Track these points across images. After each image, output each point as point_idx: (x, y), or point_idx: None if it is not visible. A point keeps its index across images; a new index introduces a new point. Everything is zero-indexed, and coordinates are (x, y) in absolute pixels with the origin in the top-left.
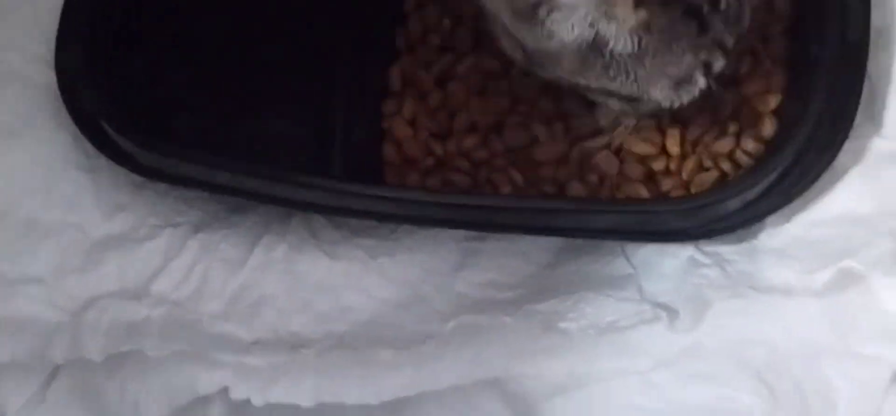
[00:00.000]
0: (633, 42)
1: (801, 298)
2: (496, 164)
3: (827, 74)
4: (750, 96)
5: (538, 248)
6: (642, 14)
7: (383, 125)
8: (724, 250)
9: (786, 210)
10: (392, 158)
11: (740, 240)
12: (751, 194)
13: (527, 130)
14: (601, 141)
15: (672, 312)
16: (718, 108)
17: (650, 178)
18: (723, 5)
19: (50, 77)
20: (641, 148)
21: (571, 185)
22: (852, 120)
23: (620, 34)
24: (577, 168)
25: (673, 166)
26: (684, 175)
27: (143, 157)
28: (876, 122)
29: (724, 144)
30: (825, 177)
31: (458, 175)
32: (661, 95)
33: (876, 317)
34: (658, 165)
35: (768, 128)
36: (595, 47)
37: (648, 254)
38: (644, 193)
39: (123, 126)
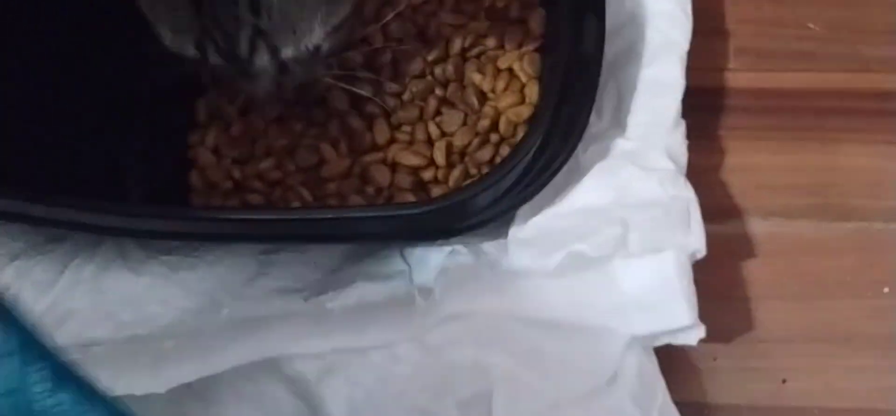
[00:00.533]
0: None
1: (538, 278)
2: (288, 183)
3: (564, 83)
4: (505, 109)
5: (326, 256)
6: None
7: (189, 155)
8: (484, 246)
9: (533, 204)
10: (197, 184)
11: (497, 236)
12: (500, 188)
13: (316, 152)
14: (376, 155)
15: (427, 292)
16: (477, 121)
17: (421, 186)
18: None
19: None
20: (411, 160)
21: (351, 197)
22: (585, 122)
23: None
24: (358, 182)
25: (441, 175)
26: (451, 183)
27: None
28: (621, 126)
29: (486, 153)
30: (572, 175)
31: (255, 196)
32: (166, 36)
33: (611, 295)
34: (427, 175)
35: (521, 136)
36: None
37: (421, 253)
38: (411, 199)
39: None
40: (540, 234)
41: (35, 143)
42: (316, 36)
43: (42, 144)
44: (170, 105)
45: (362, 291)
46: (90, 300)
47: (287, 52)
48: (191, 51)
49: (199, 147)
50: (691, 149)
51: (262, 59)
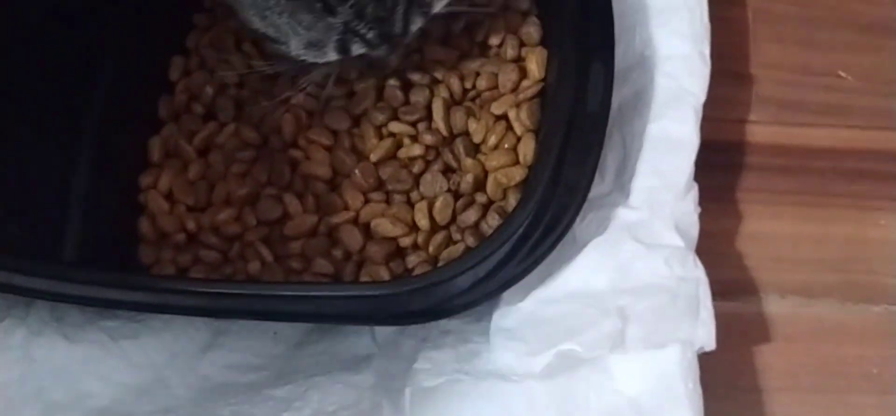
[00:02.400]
0: None
1: (522, 382)
2: (247, 239)
3: (560, 143)
4: (495, 169)
5: (289, 327)
6: None
7: (139, 199)
8: (467, 328)
9: (521, 287)
10: (147, 233)
11: (480, 319)
12: (481, 271)
13: (280, 203)
14: (346, 215)
15: (394, 398)
16: (461, 180)
17: (397, 253)
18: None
19: None
20: (389, 230)
21: (317, 261)
22: (585, 193)
23: None
24: (324, 243)
25: (421, 240)
26: (431, 249)
27: None
28: (625, 191)
29: (471, 216)
30: (566, 251)
31: (210, 252)
32: (295, 48)
33: (605, 399)
34: (406, 241)
35: (512, 202)
36: None
37: (391, 333)
38: (385, 274)
39: None
40: (526, 324)
41: None
42: None
43: None
44: (121, 138)
45: (321, 392)
46: (18, 373)
47: (437, 7)
48: (329, 55)
49: (151, 191)
50: (702, 212)
51: (417, 23)
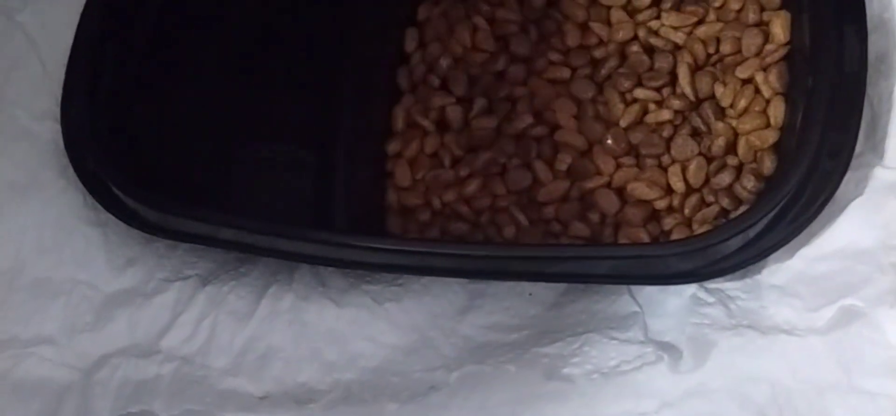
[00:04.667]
0: None
1: (805, 336)
2: (499, 206)
3: (824, 107)
4: (747, 132)
5: (543, 288)
6: None
7: (387, 167)
8: (728, 286)
9: (788, 246)
10: (394, 203)
11: (744, 276)
12: (751, 232)
13: (529, 171)
14: (599, 180)
15: (675, 352)
16: (713, 142)
17: (653, 216)
18: None
19: (58, 133)
20: (645, 193)
21: (573, 224)
22: (850, 155)
23: None
24: (578, 207)
25: (676, 203)
26: (687, 211)
27: (149, 214)
28: (878, 151)
29: (725, 178)
30: (827, 210)
31: (460, 223)
32: None
33: (880, 351)
34: (661, 204)
35: (768, 165)
36: None
37: (653, 292)
38: (644, 236)
39: (128, 184)
40: (799, 281)
41: (237, 158)
42: None
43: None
44: (371, 109)
45: (597, 348)
46: (292, 336)
47: None
48: None
49: (397, 159)
50: None
51: None
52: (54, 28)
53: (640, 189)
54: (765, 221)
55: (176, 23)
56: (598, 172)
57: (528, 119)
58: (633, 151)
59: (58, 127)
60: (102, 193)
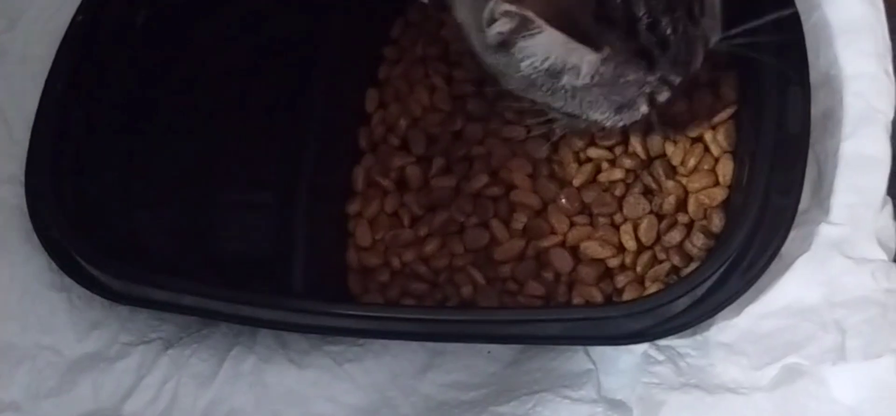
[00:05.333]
0: (587, 76)
1: (750, 395)
2: (457, 265)
3: (768, 167)
4: (696, 191)
5: (502, 347)
6: (604, 52)
7: (348, 227)
8: (679, 343)
9: (736, 303)
10: (355, 262)
11: (693, 334)
12: (699, 292)
13: (486, 230)
14: (554, 239)
15: (626, 411)
16: (663, 202)
17: (606, 274)
18: (672, 48)
19: (24, 198)
20: (598, 252)
21: (529, 283)
22: (793, 214)
23: (577, 69)
24: (533, 266)
25: (628, 261)
26: (639, 269)
27: (112, 282)
28: (824, 207)
29: (675, 236)
30: (773, 267)
31: (419, 284)
32: (601, 116)
33: (824, 407)
34: (613, 262)
35: (716, 222)
36: (550, 74)
37: (607, 349)
38: (597, 295)
39: (90, 252)
40: (746, 339)
41: (198, 222)
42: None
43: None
44: (331, 169)
45: (550, 408)
46: (253, 398)
47: (712, 40)
48: (640, 111)
49: (357, 219)
50: None
51: (699, 61)
52: (20, 93)
53: (592, 248)
54: (712, 279)
55: (142, 92)
56: (552, 232)
57: (485, 179)
58: (586, 209)
59: (23, 192)
60: (66, 260)
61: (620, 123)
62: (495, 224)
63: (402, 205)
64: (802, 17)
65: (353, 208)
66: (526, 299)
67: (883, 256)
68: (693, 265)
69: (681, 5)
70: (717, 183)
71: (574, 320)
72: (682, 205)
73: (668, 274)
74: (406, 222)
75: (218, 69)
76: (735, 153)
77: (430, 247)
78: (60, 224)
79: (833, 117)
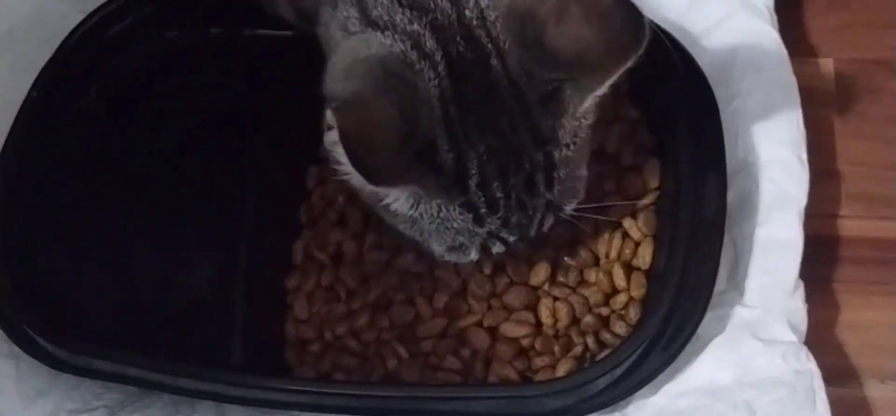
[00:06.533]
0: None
1: None
2: (383, 339)
3: (684, 251)
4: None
5: None
6: (406, 188)
7: (287, 300)
8: None
9: (653, 382)
10: (292, 335)
11: (613, 411)
12: (618, 372)
13: (412, 307)
14: (471, 319)
15: None
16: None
17: (521, 353)
18: (502, 212)
19: None
20: (515, 331)
21: (447, 359)
22: (708, 297)
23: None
24: (453, 343)
25: (543, 343)
26: (556, 351)
27: (57, 351)
28: (739, 289)
29: (591, 319)
30: (690, 347)
31: (350, 357)
32: (437, 249)
33: None
34: (527, 343)
35: (632, 314)
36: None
37: None
38: (513, 374)
39: (37, 321)
40: None
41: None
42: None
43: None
44: (270, 243)
45: None
46: None
47: (568, 211)
48: (471, 256)
49: (296, 292)
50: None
51: (549, 224)
52: None
53: (508, 327)
54: (631, 360)
55: (87, 171)
56: (470, 312)
57: (410, 256)
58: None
59: None
60: (13, 328)
61: (453, 260)
62: (420, 301)
63: (338, 279)
64: (721, 106)
65: (291, 282)
66: (445, 373)
67: (793, 338)
68: (608, 349)
69: (517, 174)
70: (637, 268)
71: (499, 398)
72: (607, 297)
73: (582, 354)
74: (342, 295)
75: (163, 144)
76: (656, 238)
77: (360, 321)
78: (8, 293)
79: (749, 202)
